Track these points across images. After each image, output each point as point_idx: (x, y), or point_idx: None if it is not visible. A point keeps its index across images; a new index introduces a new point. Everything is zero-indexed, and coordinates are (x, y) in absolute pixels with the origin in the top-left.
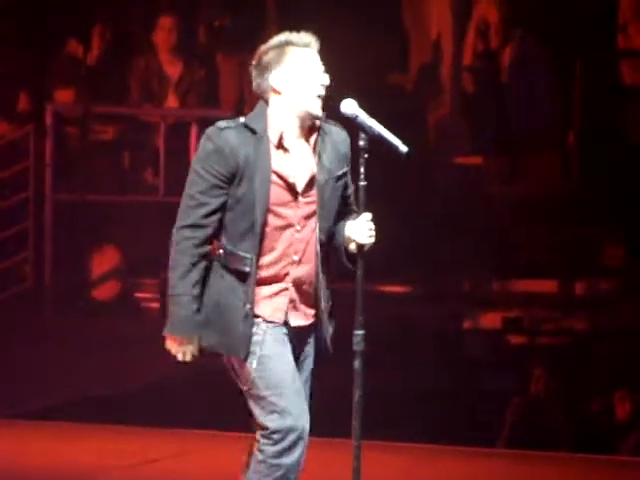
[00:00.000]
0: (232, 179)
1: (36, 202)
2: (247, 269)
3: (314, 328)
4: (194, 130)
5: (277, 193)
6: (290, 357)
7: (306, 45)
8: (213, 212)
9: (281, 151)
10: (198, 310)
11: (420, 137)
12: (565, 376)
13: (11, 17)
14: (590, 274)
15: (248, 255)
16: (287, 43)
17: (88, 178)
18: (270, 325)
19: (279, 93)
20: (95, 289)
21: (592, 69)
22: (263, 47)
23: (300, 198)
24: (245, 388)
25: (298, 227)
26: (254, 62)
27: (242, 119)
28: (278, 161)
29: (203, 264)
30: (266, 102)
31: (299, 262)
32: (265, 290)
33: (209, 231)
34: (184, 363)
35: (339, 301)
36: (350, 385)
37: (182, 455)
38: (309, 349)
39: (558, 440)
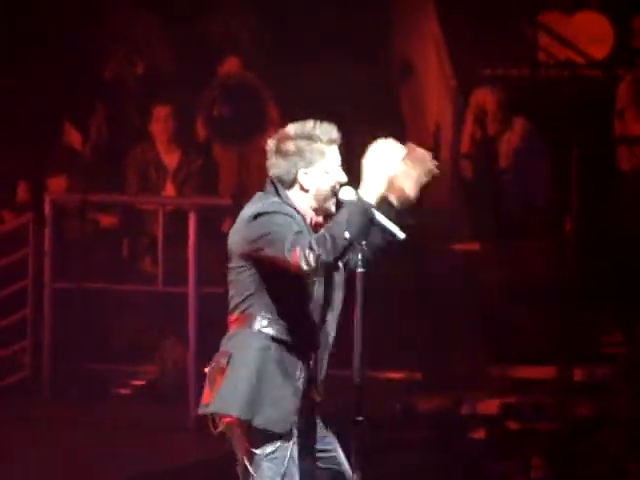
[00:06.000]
0: None
1: (35, 291)
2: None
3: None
4: (192, 218)
5: None
6: None
7: (332, 142)
8: None
9: None
10: None
11: (418, 223)
12: (564, 463)
13: (9, 104)
14: (589, 360)
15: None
16: (315, 138)
17: (86, 267)
18: None
19: (305, 190)
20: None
21: (589, 155)
22: (289, 131)
23: None
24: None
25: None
26: (275, 143)
27: (276, 199)
28: None
29: None
30: (285, 185)
31: None
32: None
33: None
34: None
35: (337, 387)
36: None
37: None
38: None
39: None
